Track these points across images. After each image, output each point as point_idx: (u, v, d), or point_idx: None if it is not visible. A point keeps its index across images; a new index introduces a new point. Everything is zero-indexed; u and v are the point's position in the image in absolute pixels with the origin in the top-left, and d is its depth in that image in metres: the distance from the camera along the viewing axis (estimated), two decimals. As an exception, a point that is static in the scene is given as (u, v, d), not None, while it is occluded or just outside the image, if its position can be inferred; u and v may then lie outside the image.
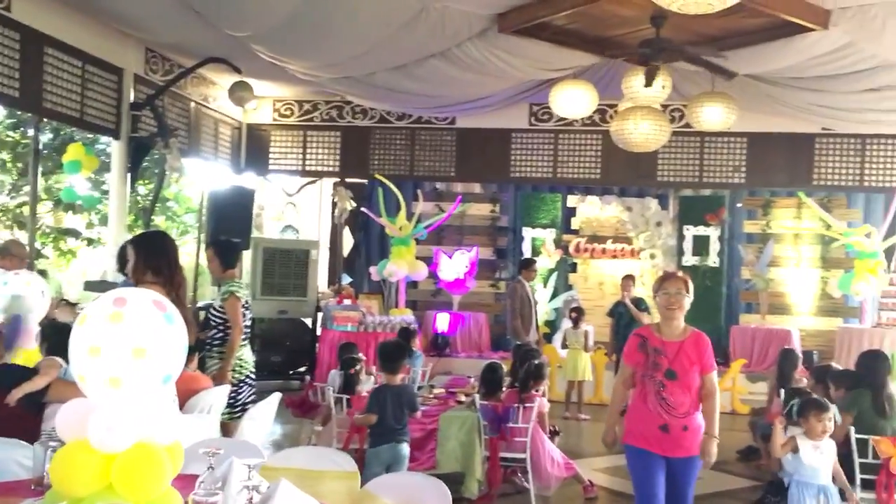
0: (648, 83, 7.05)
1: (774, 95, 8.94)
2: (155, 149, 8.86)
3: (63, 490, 1.99)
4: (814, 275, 11.36)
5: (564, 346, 9.85)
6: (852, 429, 5.10)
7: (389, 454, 4.99)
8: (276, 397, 5.04)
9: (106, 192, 10.28)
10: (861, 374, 5.50)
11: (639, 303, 9.54)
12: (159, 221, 12.65)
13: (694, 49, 7.09)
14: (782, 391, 6.51)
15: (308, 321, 10.71)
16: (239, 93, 9.28)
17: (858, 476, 5.07)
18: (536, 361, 6.16)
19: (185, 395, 4.38)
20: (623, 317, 9.50)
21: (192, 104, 9.96)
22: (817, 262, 11.37)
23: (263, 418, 5.02)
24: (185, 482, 2.32)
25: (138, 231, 11.97)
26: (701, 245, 11.47)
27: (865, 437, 5.05)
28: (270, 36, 7.58)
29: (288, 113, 11.50)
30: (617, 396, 4.34)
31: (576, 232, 12.12)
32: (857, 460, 5.06)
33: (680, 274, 4.22)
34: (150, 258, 3.84)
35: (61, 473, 1.98)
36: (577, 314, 9.62)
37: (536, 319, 10.03)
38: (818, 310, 11.33)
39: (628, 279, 9.71)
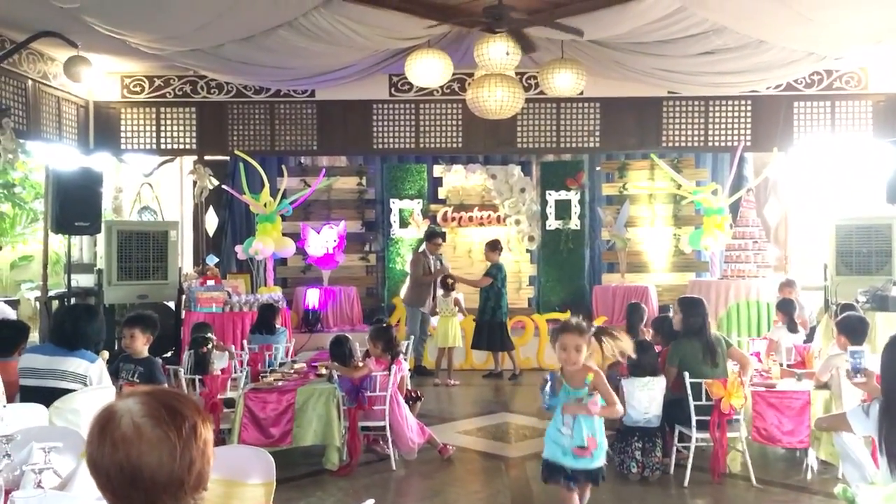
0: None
1: (620, 61, 9.24)
2: (-15, 130, 8.29)
3: None
4: (667, 232, 11.90)
5: (434, 313, 9.96)
6: (686, 374, 5.40)
7: None
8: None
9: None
10: (687, 324, 5.80)
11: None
12: (5, 209, 11.86)
13: (533, 17, 7.20)
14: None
15: (172, 304, 10.35)
16: (75, 68, 8.76)
17: (694, 417, 5.40)
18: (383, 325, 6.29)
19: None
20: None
21: (30, 82, 9.36)
22: (670, 220, 11.91)
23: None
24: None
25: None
26: (563, 209, 11.78)
27: (699, 381, 5.36)
28: (101, 7, 7.18)
29: (138, 89, 10.99)
30: None
31: (443, 201, 12.19)
32: (692, 403, 5.38)
33: None
34: None
35: None
36: (449, 282, 9.74)
37: (435, 289, 10.16)
38: (672, 266, 11.89)
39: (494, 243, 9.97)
